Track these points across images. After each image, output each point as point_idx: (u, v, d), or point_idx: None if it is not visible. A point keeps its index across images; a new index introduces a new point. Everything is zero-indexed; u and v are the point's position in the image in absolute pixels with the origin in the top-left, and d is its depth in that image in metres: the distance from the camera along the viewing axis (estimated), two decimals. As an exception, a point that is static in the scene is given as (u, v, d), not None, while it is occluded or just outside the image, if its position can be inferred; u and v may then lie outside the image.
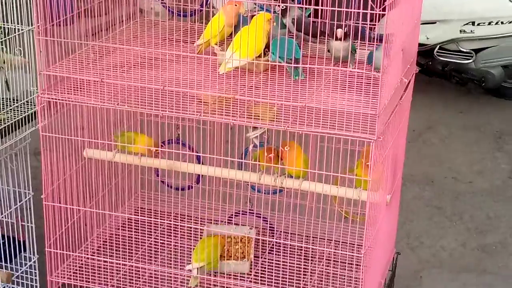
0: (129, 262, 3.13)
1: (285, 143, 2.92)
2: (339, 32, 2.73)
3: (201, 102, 2.69)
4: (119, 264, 3.10)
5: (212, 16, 2.91)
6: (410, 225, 4.39)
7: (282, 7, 2.87)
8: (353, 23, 2.72)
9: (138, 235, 3.29)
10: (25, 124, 3.38)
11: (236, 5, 2.79)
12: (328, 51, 2.85)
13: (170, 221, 3.26)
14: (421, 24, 3.20)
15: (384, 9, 2.53)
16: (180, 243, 3.18)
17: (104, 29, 3.10)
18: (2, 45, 3.34)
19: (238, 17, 2.82)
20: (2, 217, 3.47)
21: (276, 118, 2.61)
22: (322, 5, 2.89)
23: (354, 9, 2.60)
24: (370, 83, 2.55)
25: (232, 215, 3.39)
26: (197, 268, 3.01)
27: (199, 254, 3.04)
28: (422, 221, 4.44)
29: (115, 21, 3.12)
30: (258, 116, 2.63)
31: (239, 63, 2.68)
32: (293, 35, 2.91)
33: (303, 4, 2.78)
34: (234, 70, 2.68)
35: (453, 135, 5.46)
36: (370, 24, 2.94)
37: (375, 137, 2.50)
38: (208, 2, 3.11)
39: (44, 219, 3.00)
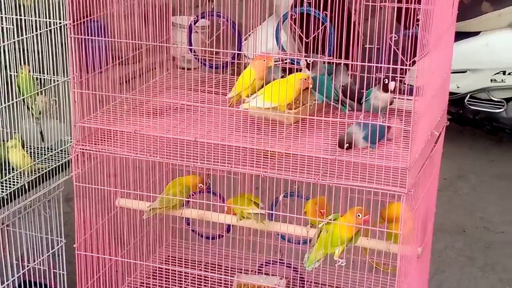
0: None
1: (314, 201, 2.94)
2: (392, 85, 2.74)
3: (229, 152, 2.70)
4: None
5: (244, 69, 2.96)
6: (441, 275, 4.34)
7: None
8: (383, 75, 2.73)
9: (169, 285, 3.29)
10: (59, 172, 3.43)
11: (264, 60, 2.84)
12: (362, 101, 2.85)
13: (200, 270, 3.27)
14: (452, 73, 3.21)
15: (414, 63, 2.55)
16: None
17: (137, 76, 3.16)
18: (38, 95, 3.42)
19: (269, 70, 2.86)
20: (35, 264, 3.51)
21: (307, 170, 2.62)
22: (352, 59, 2.91)
23: (384, 62, 2.63)
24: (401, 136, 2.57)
25: (262, 264, 3.39)
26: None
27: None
28: (454, 271, 4.39)
29: (148, 68, 3.17)
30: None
31: (258, 103, 2.74)
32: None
33: (333, 57, 2.81)
34: (265, 123, 2.71)
35: (485, 184, 5.41)
36: (400, 77, 2.96)
37: (406, 191, 2.50)
38: (240, 55, 3.15)
39: (75, 266, 3.02)
